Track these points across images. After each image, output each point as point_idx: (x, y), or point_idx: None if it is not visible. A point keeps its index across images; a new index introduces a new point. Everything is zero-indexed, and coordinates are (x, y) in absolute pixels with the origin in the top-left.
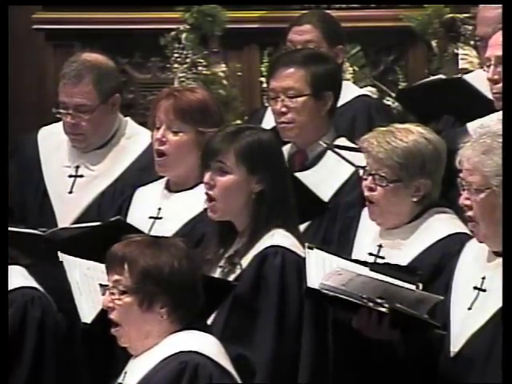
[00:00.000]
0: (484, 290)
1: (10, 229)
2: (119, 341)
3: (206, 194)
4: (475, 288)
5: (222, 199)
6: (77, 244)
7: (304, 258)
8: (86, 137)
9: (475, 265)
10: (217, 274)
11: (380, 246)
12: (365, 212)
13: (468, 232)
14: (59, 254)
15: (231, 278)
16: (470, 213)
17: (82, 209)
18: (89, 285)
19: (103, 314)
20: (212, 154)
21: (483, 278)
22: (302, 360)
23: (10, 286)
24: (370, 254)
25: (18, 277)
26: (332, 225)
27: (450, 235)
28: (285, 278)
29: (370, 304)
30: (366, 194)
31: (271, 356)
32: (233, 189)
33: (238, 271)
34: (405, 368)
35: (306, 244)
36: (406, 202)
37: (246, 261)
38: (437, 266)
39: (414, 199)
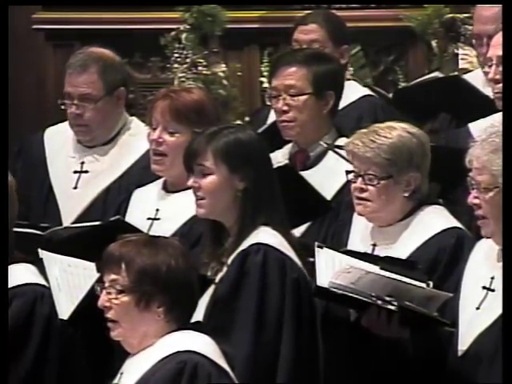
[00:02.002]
0: (493, 290)
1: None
2: (112, 333)
3: (195, 195)
4: (484, 288)
5: (208, 198)
6: (77, 243)
7: (289, 257)
8: (90, 128)
9: (484, 264)
10: (208, 273)
11: (374, 245)
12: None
13: (462, 226)
14: (39, 250)
15: (218, 276)
16: (479, 211)
17: (87, 204)
18: (68, 281)
19: (80, 310)
20: (192, 157)
21: (492, 278)
22: (281, 359)
23: (23, 281)
24: None
25: (31, 274)
26: (333, 224)
27: (444, 230)
28: (266, 276)
29: (379, 302)
30: (358, 195)
31: (250, 352)
32: (217, 189)
33: (224, 269)
34: (412, 366)
35: (316, 243)
36: (398, 198)
37: (231, 259)
38: (433, 261)
39: (406, 194)
